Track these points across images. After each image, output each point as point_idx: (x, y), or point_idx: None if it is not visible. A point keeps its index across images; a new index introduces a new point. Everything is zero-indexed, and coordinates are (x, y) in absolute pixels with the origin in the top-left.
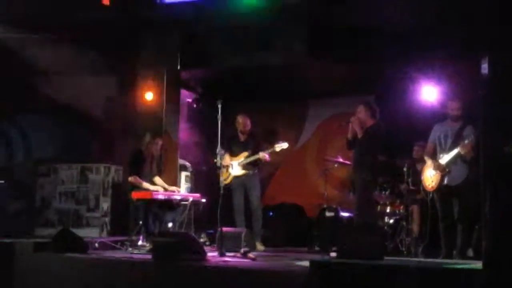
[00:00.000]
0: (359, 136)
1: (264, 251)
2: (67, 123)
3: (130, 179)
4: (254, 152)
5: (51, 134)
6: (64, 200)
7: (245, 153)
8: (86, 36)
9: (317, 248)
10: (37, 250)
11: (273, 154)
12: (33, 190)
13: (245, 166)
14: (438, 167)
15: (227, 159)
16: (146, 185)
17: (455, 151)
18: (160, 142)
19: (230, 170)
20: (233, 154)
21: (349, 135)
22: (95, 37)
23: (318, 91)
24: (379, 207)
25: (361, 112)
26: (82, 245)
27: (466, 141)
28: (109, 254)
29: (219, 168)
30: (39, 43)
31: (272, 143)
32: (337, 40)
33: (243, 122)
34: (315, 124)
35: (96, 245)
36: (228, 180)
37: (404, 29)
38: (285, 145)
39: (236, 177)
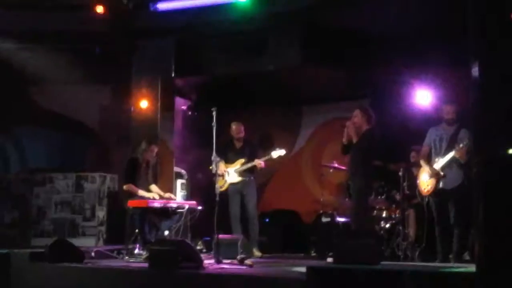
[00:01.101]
0: (354, 141)
1: (261, 257)
2: (62, 132)
3: (125, 187)
4: (250, 159)
5: (46, 143)
6: (60, 209)
7: (241, 160)
8: (80, 45)
9: (313, 254)
10: (33, 260)
11: (269, 160)
12: (29, 200)
13: (241, 173)
14: (433, 173)
15: (222, 167)
16: (141, 192)
17: (450, 155)
18: (155, 149)
19: (226, 177)
20: (229, 161)
21: (344, 140)
22: (89, 46)
23: (312, 97)
24: (375, 211)
25: (357, 117)
26: (78, 255)
27: (461, 145)
28: (105, 263)
29: (215, 175)
30: (34, 53)
31: (267, 150)
32: (331, 46)
33: (236, 129)
34: (310, 130)
35: (93, 254)
36: (224, 187)
37: (398, 35)
38: (282, 151)
39: (232, 184)
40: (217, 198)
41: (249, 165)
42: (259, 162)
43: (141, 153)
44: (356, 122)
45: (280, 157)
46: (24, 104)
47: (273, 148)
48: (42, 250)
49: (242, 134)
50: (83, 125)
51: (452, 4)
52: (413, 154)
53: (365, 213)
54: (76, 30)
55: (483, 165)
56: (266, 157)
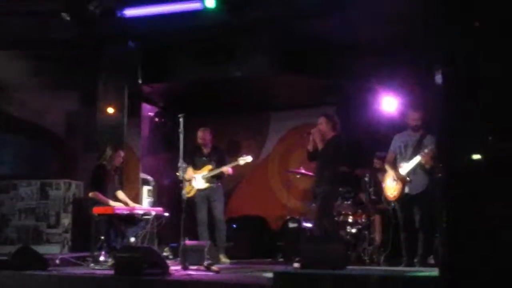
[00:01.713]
0: (320, 148)
1: (229, 263)
2: (26, 139)
3: (91, 194)
4: (218, 165)
5: (10, 150)
6: (24, 217)
7: (209, 166)
8: (46, 52)
9: (281, 259)
10: None
11: (236, 166)
12: None
13: (208, 179)
14: (398, 177)
15: (190, 172)
16: (106, 200)
17: (416, 160)
18: (122, 154)
19: (193, 183)
20: (196, 168)
21: (310, 147)
22: (55, 53)
23: (280, 103)
24: (341, 217)
25: (322, 124)
26: (42, 262)
27: (426, 150)
28: (70, 270)
29: (182, 181)
30: None
31: (235, 156)
32: (298, 54)
33: (201, 135)
34: (277, 136)
35: (57, 261)
36: (191, 193)
37: (365, 42)
38: (249, 158)
39: (199, 190)
40: (184, 205)
41: (217, 171)
42: (227, 169)
43: (108, 160)
44: (321, 129)
45: (246, 163)
46: None
47: (240, 154)
48: (6, 257)
49: (207, 140)
50: (48, 131)
51: (417, 12)
52: (376, 161)
53: (329, 218)
54: (43, 37)
55: (447, 171)
56: (233, 164)
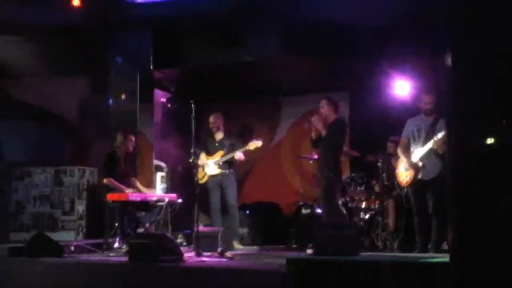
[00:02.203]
0: (323, 134)
1: (242, 250)
2: (40, 126)
3: (105, 181)
4: (230, 151)
5: (23, 137)
6: (39, 204)
7: (221, 152)
8: (58, 38)
9: (294, 246)
10: (11, 254)
11: (248, 152)
12: (7, 194)
13: (220, 165)
14: (411, 165)
15: (202, 159)
16: (121, 187)
17: (428, 146)
18: (133, 139)
19: (205, 169)
20: (209, 153)
21: (313, 135)
22: (67, 39)
23: (292, 88)
24: (354, 202)
25: (324, 107)
26: (57, 249)
27: (439, 136)
28: (85, 257)
29: (195, 167)
30: (11, 45)
31: (247, 142)
32: (309, 37)
33: (213, 120)
34: (289, 121)
35: (72, 248)
36: (204, 180)
37: (377, 25)
38: (259, 143)
39: (212, 176)
40: (197, 191)
41: (228, 157)
42: (239, 155)
43: (119, 146)
44: (323, 112)
45: (257, 148)
46: (1, 97)
47: (252, 139)
48: (21, 244)
49: (219, 126)
50: (61, 118)
51: None
52: (390, 145)
53: (332, 205)
54: (54, 22)
55: (457, 156)
56: (244, 149)
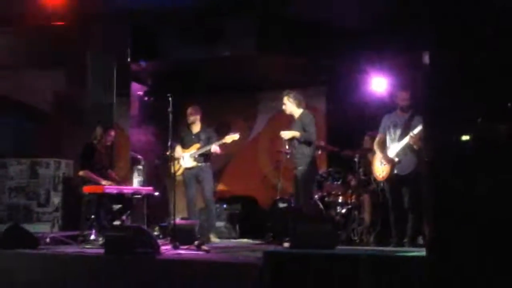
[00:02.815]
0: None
1: (218, 243)
2: (15, 117)
3: (82, 173)
4: (206, 144)
5: None
6: (14, 195)
7: (197, 145)
8: (35, 29)
9: (270, 239)
10: None
11: (226, 146)
12: None
13: (196, 158)
14: (386, 160)
15: (178, 151)
16: (97, 179)
17: (404, 141)
18: (113, 133)
19: (181, 162)
20: (185, 146)
21: (287, 143)
22: (44, 30)
23: (270, 83)
24: (331, 197)
25: (286, 104)
26: (32, 241)
27: (415, 131)
28: (61, 249)
29: (171, 160)
30: None
31: (224, 136)
32: (287, 33)
33: (191, 112)
34: (267, 116)
35: (48, 240)
36: (179, 172)
37: (354, 23)
38: (236, 136)
39: (187, 169)
40: (174, 184)
41: (204, 149)
42: (215, 148)
43: (98, 138)
44: (286, 109)
45: (234, 140)
46: None
47: (229, 134)
48: None
49: (197, 118)
50: (36, 109)
51: None
52: (366, 138)
53: (307, 199)
54: (31, 13)
55: (434, 152)
56: (220, 142)
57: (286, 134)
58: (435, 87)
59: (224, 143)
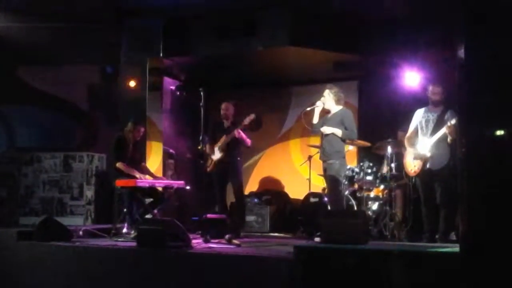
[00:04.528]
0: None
1: (249, 237)
2: (50, 112)
3: (118, 165)
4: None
5: (34, 123)
6: (48, 188)
7: (224, 138)
8: (69, 25)
9: (302, 234)
10: (21, 238)
11: (257, 141)
12: (17, 178)
13: (223, 148)
14: (417, 155)
15: (210, 146)
16: (133, 171)
17: (438, 135)
18: (142, 130)
19: (212, 156)
20: (215, 141)
21: (315, 119)
22: (78, 26)
23: (302, 78)
24: (363, 192)
25: (326, 98)
26: (66, 234)
27: (452, 121)
28: (93, 242)
29: (203, 155)
30: (23, 32)
31: (255, 130)
32: (320, 27)
33: (223, 106)
34: (299, 111)
35: (81, 233)
36: (211, 167)
37: (387, 16)
38: (252, 116)
39: (218, 163)
40: (205, 178)
41: (229, 138)
42: (237, 132)
43: (127, 132)
44: (325, 102)
45: (252, 120)
46: (13, 83)
47: (261, 128)
48: (30, 229)
49: (228, 112)
50: (71, 104)
51: None
52: (400, 134)
53: (340, 194)
54: (65, 9)
55: (468, 146)
56: (239, 126)
57: (327, 130)
58: (471, 81)
59: (243, 126)
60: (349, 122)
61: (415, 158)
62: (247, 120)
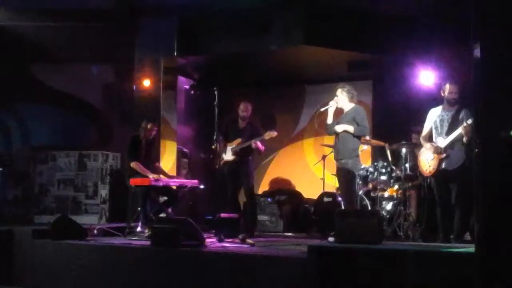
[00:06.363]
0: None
1: (262, 236)
2: (65, 110)
3: (133, 164)
4: (247, 140)
5: (49, 121)
6: (63, 187)
7: (239, 140)
8: (83, 24)
9: (315, 234)
10: (36, 237)
11: (271, 140)
12: (32, 177)
13: (236, 152)
14: (436, 149)
15: (223, 145)
16: (146, 171)
17: (454, 134)
18: (155, 129)
19: (223, 155)
20: (229, 140)
21: (329, 119)
22: (92, 24)
23: (316, 77)
24: (377, 192)
25: (339, 97)
26: (80, 232)
27: (469, 121)
28: (108, 240)
29: (217, 154)
30: (38, 30)
31: (269, 129)
32: (334, 26)
33: (243, 107)
34: (313, 110)
35: (95, 231)
36: (220, 166)
37: (401, 15)
38: (273, 133)
39: (229, 163)
40: (218, 177)
41: (244, 145)
42: (255, 143)
43: (140, 131)
44: (338, 101)
45: (272, 138)
46: (28, 82)
47: (275, 128)
48: (45, 227)
49: (247, 114)
50: (86, 103)
51: None
52: (414, 135)
53: (353, 194)
54: (80, 8)
55: (484, 146)
56: (259, 138)
57: (340, 128)
58: (486, 81)
59: (263, 140)
60: (361, 118)
61: (433, 151)
62: (267, 136)
